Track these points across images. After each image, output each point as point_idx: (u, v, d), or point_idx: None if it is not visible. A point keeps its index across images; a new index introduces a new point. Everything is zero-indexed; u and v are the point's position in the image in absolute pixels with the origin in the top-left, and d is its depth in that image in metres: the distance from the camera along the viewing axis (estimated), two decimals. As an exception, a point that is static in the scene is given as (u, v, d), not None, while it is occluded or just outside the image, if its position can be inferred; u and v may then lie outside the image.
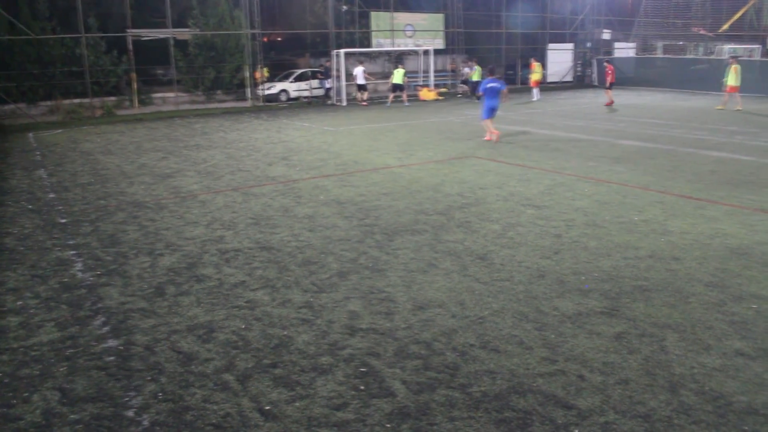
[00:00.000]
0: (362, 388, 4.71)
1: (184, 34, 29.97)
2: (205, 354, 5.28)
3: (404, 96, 29.63)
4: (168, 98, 29.96)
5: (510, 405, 4.45)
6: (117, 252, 8.09)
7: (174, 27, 28.37)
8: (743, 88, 25.70)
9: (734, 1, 46.11)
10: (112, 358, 5.26)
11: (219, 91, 31.25)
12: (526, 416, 4.31)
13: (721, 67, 34.34)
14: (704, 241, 8.00)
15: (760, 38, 46.37)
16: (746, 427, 4.16)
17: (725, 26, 46.02)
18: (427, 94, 31.85)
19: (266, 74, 30.47)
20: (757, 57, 41.90)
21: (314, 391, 4.68)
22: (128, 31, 27.07)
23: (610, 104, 26.78)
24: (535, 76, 30.80)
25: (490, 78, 16.77)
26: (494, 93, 16.56)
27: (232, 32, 30.26)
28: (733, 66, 25.11)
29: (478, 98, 29.85)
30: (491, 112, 16.70)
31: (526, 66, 32.06)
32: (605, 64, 28.43)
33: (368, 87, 30.71)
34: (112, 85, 28.39)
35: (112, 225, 9.41)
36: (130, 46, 27.15)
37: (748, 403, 4.42)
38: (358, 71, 29.38)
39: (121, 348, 5.42)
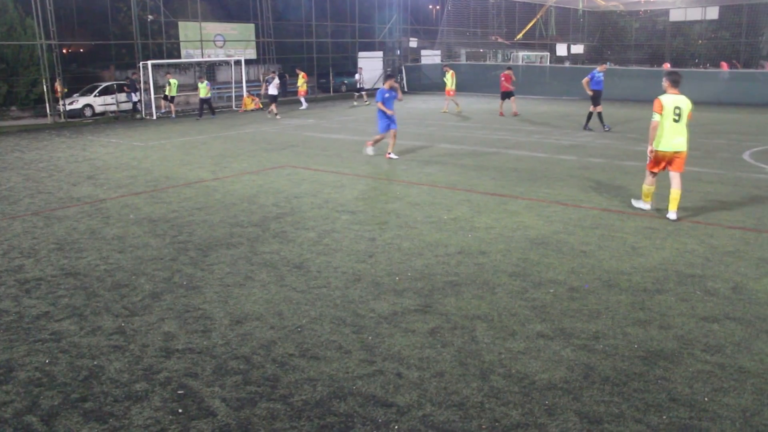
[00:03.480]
0: (180, 411, 4.55)
1: (-34, 44, 27.34)
2: (3, 397, 4.83)
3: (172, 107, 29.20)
4: (-50, 116, 27.18)
5: (331, 410, 4.49)
6: None
7: (-46, 37, 25.77)
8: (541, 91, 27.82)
9: (525, 13, 50.13)
10: None
11: (13, 108, 28.85)
12: (347, 419, 4.38)
13: (519, 72, 37.06)
14: (507, 235, 8.58)
15: (548, 46, 50.67)
16: (547, 402, 4.51)
17: (519, 36, 49.82)
18: (248, 103, 31.55)
19: (59, 88, 28.50)
20: (546, 63, 45.71)
21: (129, 421, 4.44)
22: None
23: (515, 114, 25.20)
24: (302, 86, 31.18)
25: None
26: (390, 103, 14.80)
27: (24, 42, 28.03)
28: (450, 72, 27.52)
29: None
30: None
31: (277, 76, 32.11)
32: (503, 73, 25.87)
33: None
34: None
35: None
36: None
37: (548, 380, 4.80)
38: (274, 80, 28.01)
39: None
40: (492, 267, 7.34)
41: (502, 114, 25.46)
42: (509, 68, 26.33)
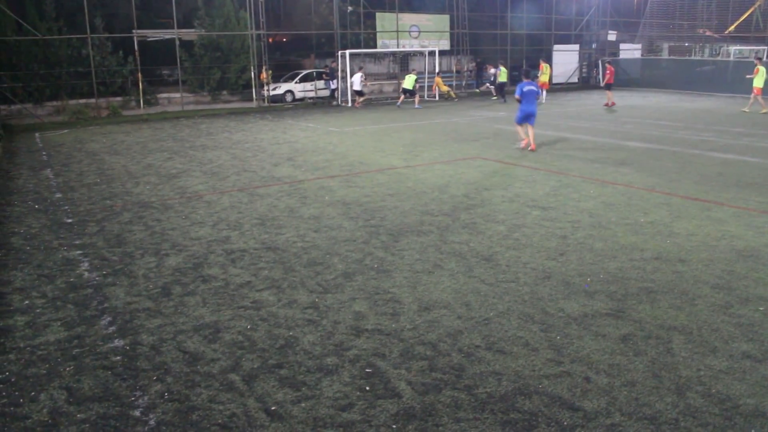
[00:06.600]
0: (368, 388, 4.71)
1: (189, 34, 30.06)
2: (211, 354, 5.29)
3: (416, 99, 29.07)
4: (173, 98, 30.06)
5: (516, 406, 4.44)
6: (123, 252, 8.11)
7: (179, 27, 28.46)
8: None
9: (740, 3, 46.02)
10: (118, 357, 5.27)
11: (224, 92, 31.34)
12: (531, 417, 4.31)
13: (728, 69, 34.36)
14: (711, 243, 7.97)
15: (766, 39, 46.23)
16: (753, 431, 4.14)
17: (731, 28, 45.92)
18: (441, 85, 31.90)
19: (264, 75, 30.52)
20: (763, 57, 41.79)
21: (320, 392, 4.68)
22: (134, 31, 27.15)
23: (609, 105, 27.31)
24: (543, 77, 29.99)
25: (526, 81, 15.83)
26: (531, 97, 15.46)
27: (237, 33, 30.33)
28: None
29: (497, 98, 30.43)
30: (527, 118, 15.58)
31: (534, 67, 31.97)
32: (606, 65, 29.45)
33: (366, 91, 30.77)
34: (118, 86, 28.51)
35: (118, 225, 9.43)
36: (136, 47, 27.23)
37: (755, 406, 4.40)
38: (356, 78, 29.10)
39: (128, 348, 5.43)
40: (692, 276, 6.86)
41: (608, 104, 27.47)
42: (609, 62, 29.64)
